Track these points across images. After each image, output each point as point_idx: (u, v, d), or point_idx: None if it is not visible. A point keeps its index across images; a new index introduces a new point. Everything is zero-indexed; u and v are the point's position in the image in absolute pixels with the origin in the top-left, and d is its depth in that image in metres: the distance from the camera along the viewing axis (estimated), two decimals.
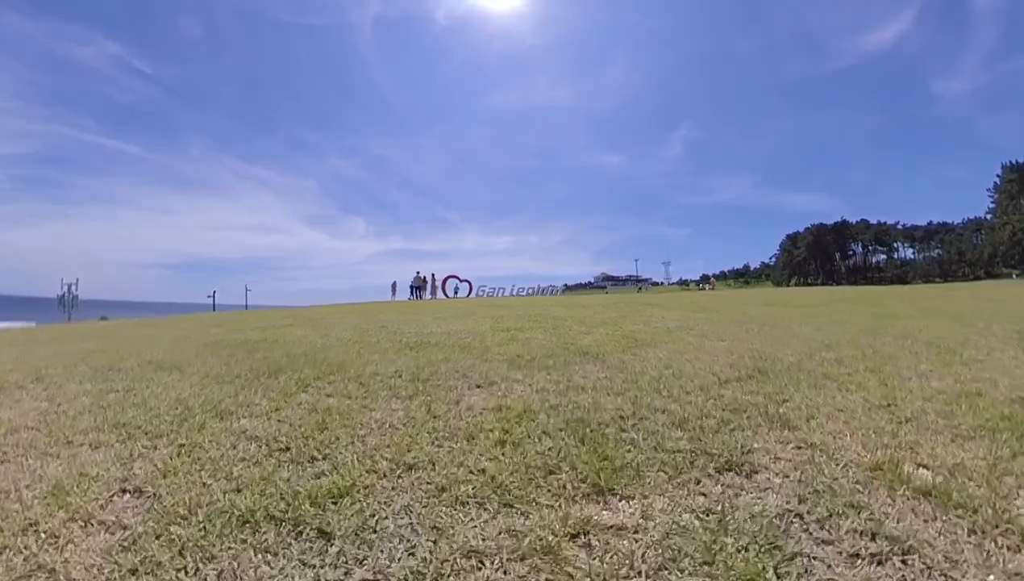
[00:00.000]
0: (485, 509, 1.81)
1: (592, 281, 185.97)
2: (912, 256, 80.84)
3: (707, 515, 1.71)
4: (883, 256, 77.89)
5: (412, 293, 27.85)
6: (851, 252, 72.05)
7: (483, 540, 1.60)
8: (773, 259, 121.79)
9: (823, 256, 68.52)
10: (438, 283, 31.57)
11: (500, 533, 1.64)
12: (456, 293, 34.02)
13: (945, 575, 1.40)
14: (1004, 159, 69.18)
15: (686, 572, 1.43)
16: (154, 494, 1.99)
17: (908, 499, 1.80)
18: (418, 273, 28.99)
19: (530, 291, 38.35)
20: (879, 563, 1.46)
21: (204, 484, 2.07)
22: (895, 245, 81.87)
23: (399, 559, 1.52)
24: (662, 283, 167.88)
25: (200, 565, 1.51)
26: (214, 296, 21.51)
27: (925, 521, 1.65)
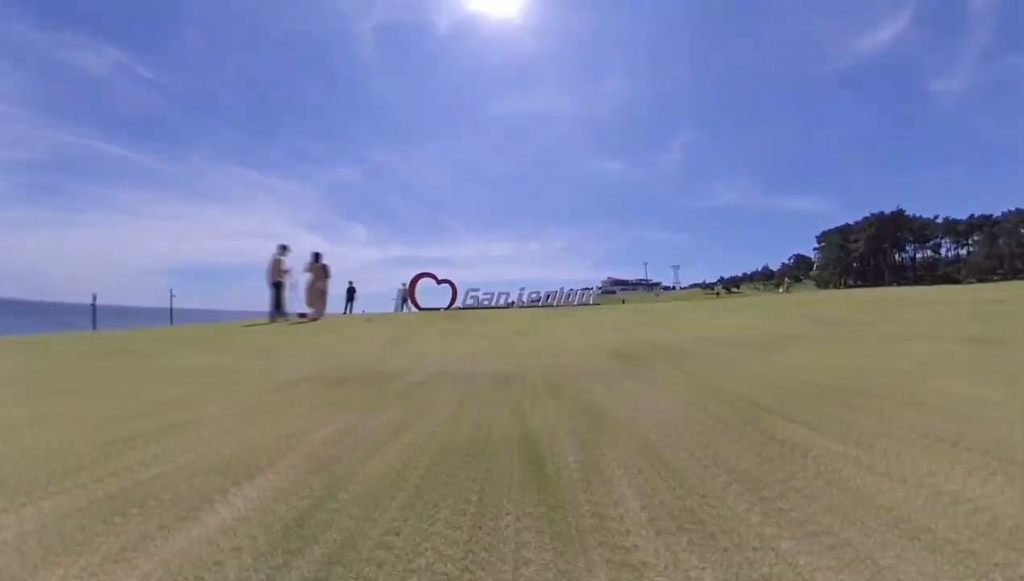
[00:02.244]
0: None
1: (600, 286, 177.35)
2: (956, 252, 72.22)
3: None
4: (929, 252, 68.99)
5: (275, 306, 10.97)
6: (906, 247, 63.32)
7: None
8: (792, 260, 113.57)
9: (880, 252, 60.08)
10: (351, 290, 19.24)
11: None
12: (418, 307, 22.53)
13: None
14: (1002, 157, 62.58)
15: None
16: None
17: None
18: (282, 251, 11.21)
19: (551, 300, 29.99)
20: None
21: None
22: (938, 241, 73.08)
23: None
24: (674, 288, 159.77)
25: None
26: (94, 300, 13.13)
27: None
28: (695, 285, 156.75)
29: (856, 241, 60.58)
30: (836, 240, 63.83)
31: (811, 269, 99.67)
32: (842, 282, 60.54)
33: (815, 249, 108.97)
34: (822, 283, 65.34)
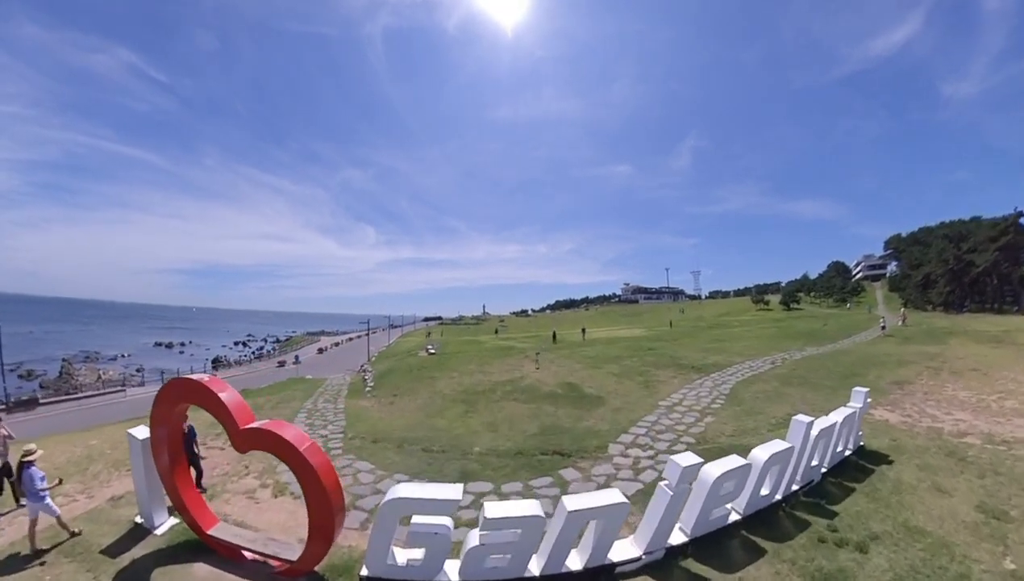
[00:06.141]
0: None
1: (619, 294, 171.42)
2: None
3: None
4: None
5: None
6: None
7: None
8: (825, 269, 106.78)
9: (1016, 265, 44.46)
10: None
11: None
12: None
13: None
14: (1012, 161, 49.42)
15: None
16: None
17: None
18: None
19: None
20: None
21: None
22: None
23: None
24: (699, 296, 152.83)
25: None
26: None
27: None
28: (716, 292, 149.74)
29: (972, 251, 46.89)
30: (947, 250, 52.42)
31: (851, 278, 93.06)
32: (963, 303, 49.64)
33: (867, 257, 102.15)
34: (917, 303, 55.15)
